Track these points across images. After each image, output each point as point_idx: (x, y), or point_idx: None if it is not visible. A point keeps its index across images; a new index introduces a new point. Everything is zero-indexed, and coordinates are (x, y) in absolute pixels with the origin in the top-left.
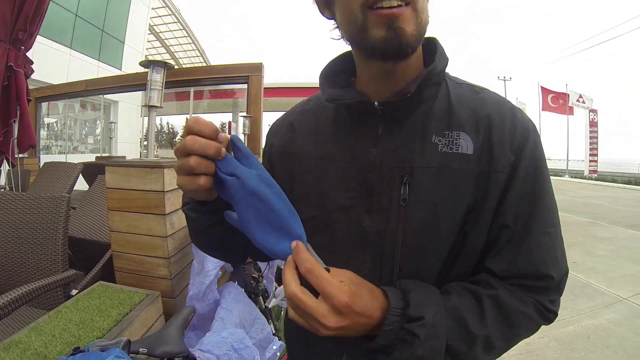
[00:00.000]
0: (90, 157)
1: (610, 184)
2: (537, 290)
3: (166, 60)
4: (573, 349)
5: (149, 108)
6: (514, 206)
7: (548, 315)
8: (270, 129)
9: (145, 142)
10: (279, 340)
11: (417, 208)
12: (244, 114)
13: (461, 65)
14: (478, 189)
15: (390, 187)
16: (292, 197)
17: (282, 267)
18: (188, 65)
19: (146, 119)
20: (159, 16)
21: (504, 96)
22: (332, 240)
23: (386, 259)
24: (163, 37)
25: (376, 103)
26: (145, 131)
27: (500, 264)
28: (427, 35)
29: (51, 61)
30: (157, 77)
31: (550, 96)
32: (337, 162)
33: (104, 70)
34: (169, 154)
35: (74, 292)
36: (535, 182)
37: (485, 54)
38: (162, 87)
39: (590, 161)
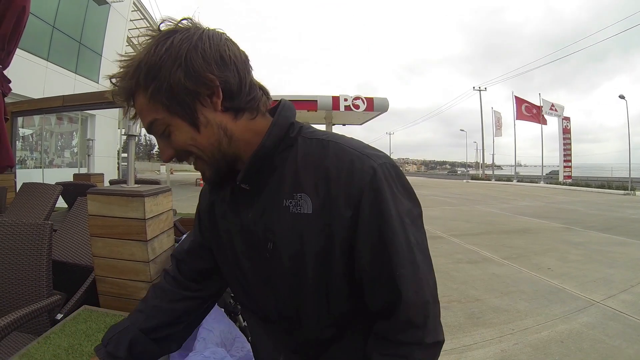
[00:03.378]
0: (68, 172)
1: (585, 188)
2: (404, 331)
3: None
4: (547, 354)
5: (128, 137)
6: (366, 253)
7: (426, 350)
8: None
9: (124, 154)
10: None
11: (281, 259)
12: None
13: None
14: (324, 240)
15: (262, 244)
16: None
17: None
18: None
19: (124, 130)
20: (137, 28)
21: (351, 146)
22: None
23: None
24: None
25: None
26: (123, 143)
27: (369, 300)
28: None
29: (28, 73)
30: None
31: (524, 105)
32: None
33: (81, 83)
34: (147, 166)
35: (59, 316)
36: (380, 229)
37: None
38: None
39: (565, 167)
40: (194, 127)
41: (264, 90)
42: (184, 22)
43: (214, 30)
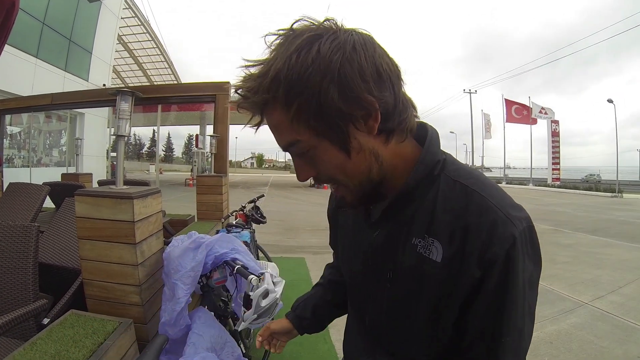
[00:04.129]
0: (56, 172)
1: (573, 191)
2: None
3: (134, 85)
4: (537, 355)
5: (117, 137)
6: (480, 313)
7: None
8: None
9: (113, 154)
10: None
11: (396, 292)
12: (212, 127)
13: None
14: (443, 292)
15: (380, 271)
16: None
17: (250, 292)
18: (156, 76)
19: (113, 129)
20: (128, 26)
21: (494, 202)
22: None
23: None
24: (131, 48)
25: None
26: (112, 142)
27: (465, 352)
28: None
29: (16, 70)
30: (125, 107)
31: (513, 107)
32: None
33: (70, 81)
34: (136, 165)
35: (45, 320)
36: (502, 297)
37: None
38: (131, 116)
39: (553, 169)
40: (345, 153)
41: (412, 105)
42: (326, 23)
43: (362, 34)
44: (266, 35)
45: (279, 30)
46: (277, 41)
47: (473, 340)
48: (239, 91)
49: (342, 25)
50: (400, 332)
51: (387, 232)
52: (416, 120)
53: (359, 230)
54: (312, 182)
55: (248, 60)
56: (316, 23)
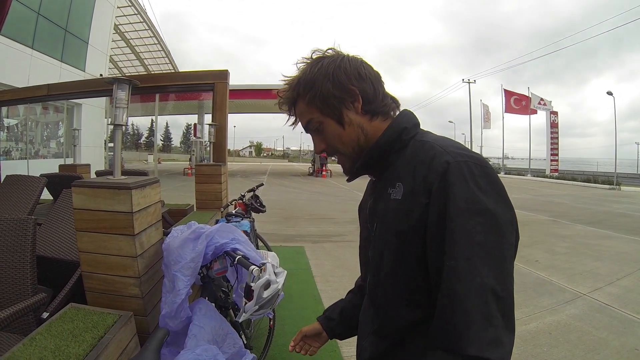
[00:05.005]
0: (53, 163)
1: (571, 182)
2: (442, 336)
3: (131, 75)
4: (536, 345)
5: (115, 127)
6: (430, 242)
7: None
8: None
9: (110, 144)
10: (251, 352)
11: (377, 240)
12: (210, 116)
13: None
14: (405, 223)
15: (371, 224)
16: None
17: (251, 283)
18: (153, 65)
19: (110, 119)
20: (125, 15)
21: (442, 145)
22: None
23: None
24: (128, 37)
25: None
26: (109, 133)
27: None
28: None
29: (12, 61)
30: (122, 95)
31: (512, 98)
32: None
33: (67, 72)
34: (134, 155)
35: (45, 314)
36: (443, 219)
37: None
38: (128, 104)
39: (552, 160)
40: (340, 125)
41: (394, 100)
42: (330, 51)
43: (353, 55)
44: (297, 62)
45: (303, 58)
46: (302, 64)
47: (432, 269)
48: (279, 94)
49: (339, 51)
50: (382, 280)
51: (377, 193)
52: (400, 109)
53: (366, 205)
54: (311, 170)
55: (285, 77)
56: (322, 52)
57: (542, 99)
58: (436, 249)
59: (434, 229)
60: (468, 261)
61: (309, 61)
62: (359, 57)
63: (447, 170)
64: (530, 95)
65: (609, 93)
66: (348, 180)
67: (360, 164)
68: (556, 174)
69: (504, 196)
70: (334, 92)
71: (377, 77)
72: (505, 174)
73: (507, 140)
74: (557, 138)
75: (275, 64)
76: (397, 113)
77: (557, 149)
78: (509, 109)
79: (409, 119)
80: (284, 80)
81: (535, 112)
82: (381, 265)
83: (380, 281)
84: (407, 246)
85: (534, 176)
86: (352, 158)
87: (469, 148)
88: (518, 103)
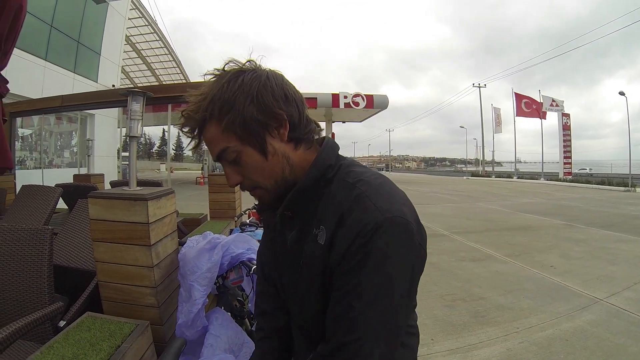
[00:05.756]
0: (67, 173)
1: (585, 185)
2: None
3: (143, 85)
4: (552, 352)
5: (130, 138)
6: (335, 292)
7: None
8: None
9: (124, 153)
10: None
11: (303, 278)
12: None
13: None
14: (325, 269)
15: (296, 262)
16: None
17: None
18: (164, 75)
19: (124, 129)
20: (136, 27)
21: (368, 194)
22: None
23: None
24: (140, 48)
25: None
26: (123, 142)
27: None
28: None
29: (26, 73)
30: (136, 107)
31: (523, 102)
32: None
33: (80, 83)
34: (146, 165)
35: (62, 323)
36: (354, 277)
37: None
38: (142, 116)
39: (565, 163)
40: (263, 155)
41: (316, 124)
42: (248, 64)
43: (274, 71)
44: (205, 74)
45: (214, 69)
46: (213, 78)
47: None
48: (183, 113)
49: (259, 65)
50: (315, 317)
51: (299, 229)
52: (320, 135)
53: (281, 240)
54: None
55: (191, 90)
56: (240, 64)
57: (553, 100)
58: (340, 281)
59: (339, 282)
60: (371, 305)
61: (222, 74)
62: (279, 72)
63: (376, 230)
64: (541, 100)
65: (621, 93)
66: (260, 212)
67: (284, 206)
68: (570, 176)
69: (415, 248)
70: (257, 117)
71: (301, 99)
72: (518, 178)
73: (520, 143)
74: (570, 140)
75: (288, 70)
76: (318, 139)
77: (570, 151)
78: (520, 112)
79: (332, 152)
80: (189, 94)
81: (545, 115)
82: (310, 302)
83: (312, 319)
84: (325, 286)
85: (547, 180)
86: (275, 192)
87: (397, 192)
88: (529, 106)
